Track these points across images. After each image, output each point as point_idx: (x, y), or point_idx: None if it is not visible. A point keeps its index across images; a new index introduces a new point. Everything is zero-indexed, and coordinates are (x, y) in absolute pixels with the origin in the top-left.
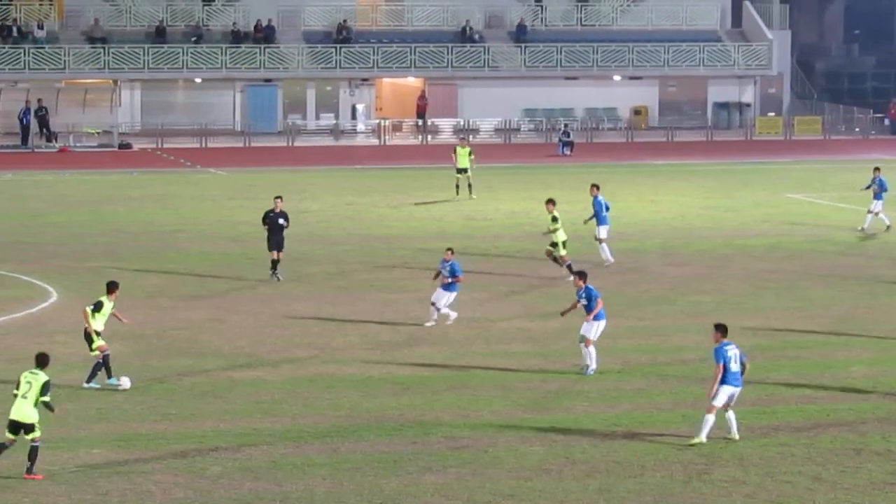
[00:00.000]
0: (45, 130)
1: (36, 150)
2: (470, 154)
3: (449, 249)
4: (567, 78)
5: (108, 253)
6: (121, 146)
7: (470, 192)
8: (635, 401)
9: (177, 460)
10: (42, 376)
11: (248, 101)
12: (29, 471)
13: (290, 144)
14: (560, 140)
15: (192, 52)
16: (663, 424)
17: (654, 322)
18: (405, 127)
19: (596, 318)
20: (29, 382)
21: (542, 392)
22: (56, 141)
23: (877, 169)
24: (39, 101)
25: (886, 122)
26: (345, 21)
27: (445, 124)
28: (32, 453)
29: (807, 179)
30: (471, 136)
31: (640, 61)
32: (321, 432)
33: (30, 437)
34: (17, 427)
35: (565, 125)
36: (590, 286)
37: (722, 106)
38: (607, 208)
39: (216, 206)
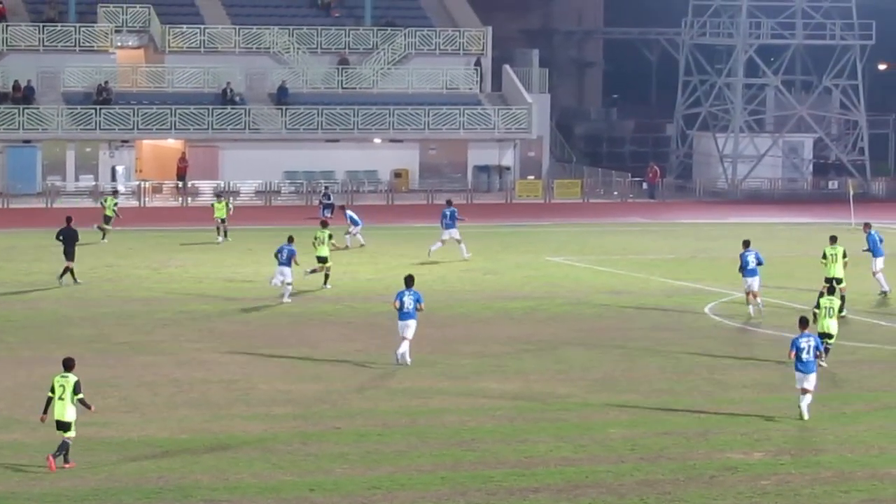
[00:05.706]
0: None
1: None
2: None
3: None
4: (328, 140)
5: None
6: None
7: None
8: (396, 463)
9: None
10: (72, 377)
11: (7, 163)
12: (55, 455)
13: (50, 206)
14: (321, 202)
15: None
16: (423, 486)
17: (415, 384)
18: (165, 189)
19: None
20: (62, 386)
21: (302, 454)
22: None
23: (867, 225)
24: None
25: (644, 185)
26: (105, 82)
27: (206, 186)
28: (63, 446)
29: (566, 242)
30: (231, 199)
31: (400, 124)
32: (80, 496)
33: (66, 434)
34: (62, 426)
35: (326, 187)
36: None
37: (482, 169)
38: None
39: None
